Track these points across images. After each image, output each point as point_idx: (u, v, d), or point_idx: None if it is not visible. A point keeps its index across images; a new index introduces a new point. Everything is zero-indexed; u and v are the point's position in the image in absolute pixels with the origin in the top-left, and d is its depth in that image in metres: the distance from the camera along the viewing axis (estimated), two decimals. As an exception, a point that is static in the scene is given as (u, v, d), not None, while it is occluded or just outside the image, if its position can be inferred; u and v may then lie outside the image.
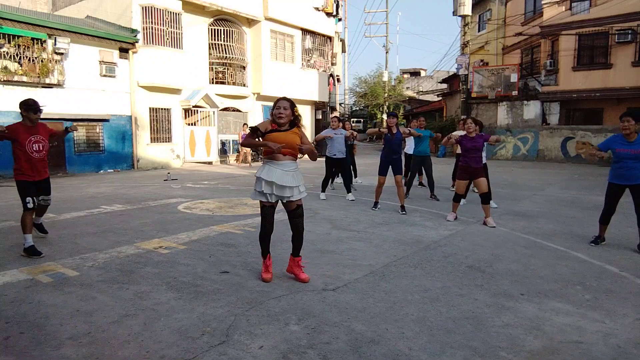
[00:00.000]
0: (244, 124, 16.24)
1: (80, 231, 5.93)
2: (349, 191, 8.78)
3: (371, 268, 4.37)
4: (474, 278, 4.11)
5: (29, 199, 4.85)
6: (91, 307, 3.36)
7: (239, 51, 18.82)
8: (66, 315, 3.22)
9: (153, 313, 3.26)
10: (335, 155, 8.63)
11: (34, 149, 4.91)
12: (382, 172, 7.44)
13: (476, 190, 6.86)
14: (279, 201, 3.88)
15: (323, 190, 8.83)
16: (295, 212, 3.87)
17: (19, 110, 5.00)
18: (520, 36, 19.68)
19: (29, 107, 4.92)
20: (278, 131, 3.74)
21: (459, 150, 8.71)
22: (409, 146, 9.54)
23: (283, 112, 3.73)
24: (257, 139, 3.76)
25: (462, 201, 7.24)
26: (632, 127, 4.92)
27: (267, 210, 3.85)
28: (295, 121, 3.84)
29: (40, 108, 4.98)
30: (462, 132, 8.34)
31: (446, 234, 5.84)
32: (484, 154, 7.82)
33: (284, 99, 3.83)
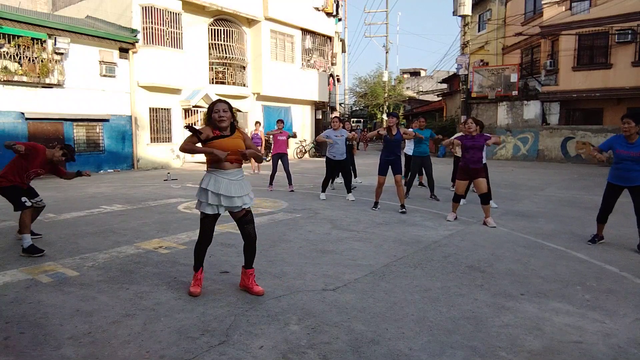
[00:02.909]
0: (257, 122, 15.15)
1: (80, 231, 5.92)
2: (349, 191, 8.78)
3: (371, 268, 4.37)
4: (474, 278, 4.11)
5: (24, 198, 4.87)
6: (91, 307, 3.36)
7: (239, 51, 18.81)
8: (66, 315, 3.22)
9: (153, 313, 3.26)
10: (335, 157, 8.63)
11: (32, 176, 5.08)
12: (382, 172, 7.45)
13: (475, 190, 6.85)
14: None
15: (323, 191, 8.83)
16: (245, 219, 3.58)
17: (60, 152, 5.10)
18: (520, 36, 19.69)
19: (68, 157, 5.14)
20: (222, 137, 3.45)
21: (457, 153, 8.73)
22: (409, 147, 9.54)
23: (224, 115, 3.43)
24: (197, 145, 3.47)
25: (462, 201, 7.25)
26: (632, 129, 4.91)
27: (209, 221, 3.54)
28: (234, 124, 3.58)
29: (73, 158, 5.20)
30: (462, 133, 8.36)
31: (446, 234, 5.84)
32: (484, 154, 7.82)
33: (221, 101, 3.56)
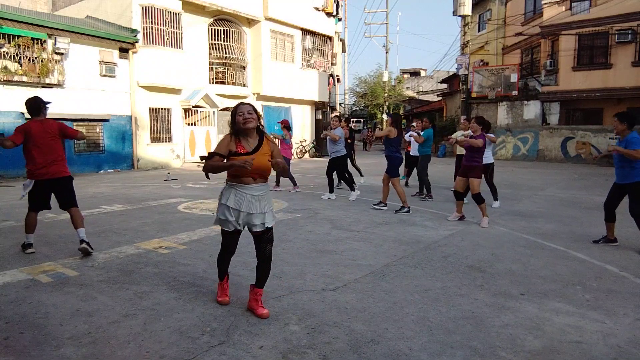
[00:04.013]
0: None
1: (80, 231, 5.91)
2: (352, 189, 8.79)
3: (371, 268, 4.37)
4: (474, 278, 4.11)
5: (25, 188, 4.83)
6: (91, 307, 3.36)
7: (239, 51, 18.81)
8: (66, 315, 3.22)
9: (153, 313, 3.26)
10: (333, 154, 8.73)
11: (48, 154, 4.86)
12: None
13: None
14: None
15: (330, 191, 8.77)
16: (264, 237, 3.22)
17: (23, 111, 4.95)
18: (520, 36, 19.69)
19: (32, 109, 4.85)
20: (246, 154, 3.07)
21: (459, 152, 8.75)
22: (414, 147, 9.57)
23: (249, 117, 3.08)
24: (220, 162, 3.11)
25: (466, 200, 7.23)
26: (618, 126, 5.14)
27: (231, 236, 3.27)
28: (261, 129, 3.21)
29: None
30: (461, 132, 8.37)
31: (446, 234, 5.84)
32: (488, 153, 7.79)
33: (244, 103, 3.21)
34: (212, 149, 3.19)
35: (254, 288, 3.30)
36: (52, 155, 4.70)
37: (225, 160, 3.10)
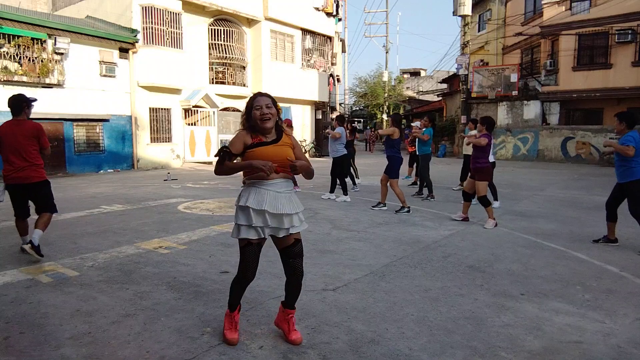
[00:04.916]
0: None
1: (80, 231, 5.92)
2: (345, 193, 8.71)
3: (371, 268, 4.37)
4: (474, 278, 4.11)
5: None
6: (91, 307, 3.36)
7: (239, 51, 18.82)
8: (66, 315, 3.22)
9: (153, 313, 3.26)
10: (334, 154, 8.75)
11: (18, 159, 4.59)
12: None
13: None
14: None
15: (345, 193, 8.67)
16: (293, 250, 2.75)
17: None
18: (520, 36, 19.69)
19: (13, 107, 4.58)
20: (263, 144, 2.68)
21: (466, 152, 8.79)
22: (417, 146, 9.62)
23: (267, 112, 2.66)
24: (234, 161, 2.70)
25: (474, 201, 7.22)
26: (617, 127, 5.23)
27: (253, 250, 2.69)
28: (280, 125, 2.80)
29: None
30: (474, 132, 8.43)
31: (446, 234, 5.84)
32: (491, 155, 7.73)
33: (262, 94, 2.77)
34: (219, 146, 2.85)
35: (285, 308, 2.88)
36: (23, 159, 4.43)
37: (237, 160, 2.70)
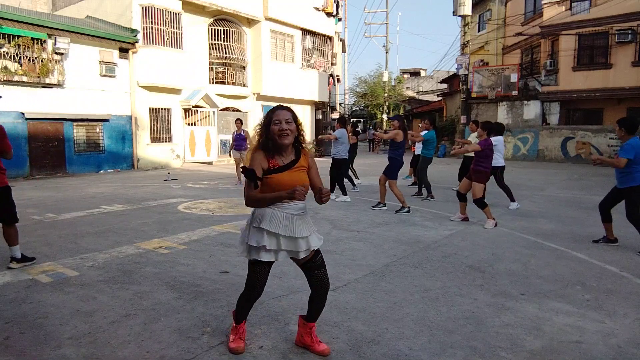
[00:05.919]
0: (238, 119, 11.75)
1: (80, 231, 5.92)
2: (344, 193, 8.71)
3: (371, 268, 4.37)
4: (474, 278, 4.11)
5: None
6: (91, 307, 3.36)
7: (239, 51, 18.81)
8: (66, 315, 3.22)
9: (153, 313, 3.26)
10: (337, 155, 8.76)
11: None
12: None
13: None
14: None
15: (344, 194, 8.68)
16: (314, 263, 2.64)
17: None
18: (520, 36, 19.69)
19: None
20: (278, 171, 2.54)
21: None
22: (418, 147, 9.59)
23: (287, 128, 2.50)
24: (259, 186, 2.49)
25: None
26: (618, 132, 5.17)
27: (262, 270, 2.62)
28: (301, 141, 2.64)
29: None
30: (475, 135, 8.42)
31: (446, 234, 5.84)
32: (498, 155, 7.62)
33: (282, 107, 2.62)
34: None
35: (306, 322, 2.76)
36: None
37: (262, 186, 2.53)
